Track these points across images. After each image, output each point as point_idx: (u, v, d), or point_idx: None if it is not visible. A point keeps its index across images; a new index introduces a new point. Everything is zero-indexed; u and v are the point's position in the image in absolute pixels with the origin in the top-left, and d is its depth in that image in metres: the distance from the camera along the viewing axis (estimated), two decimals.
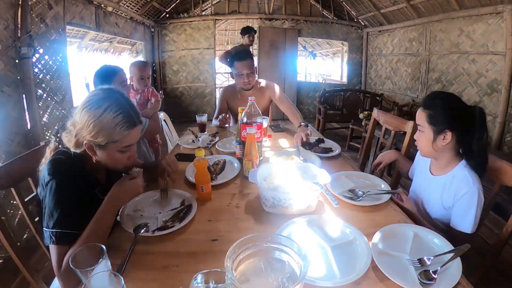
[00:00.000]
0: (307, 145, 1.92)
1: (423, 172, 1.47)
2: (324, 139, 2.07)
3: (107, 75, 1.99)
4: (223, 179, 1.49)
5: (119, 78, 2.02)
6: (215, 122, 2.56)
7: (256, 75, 2.48)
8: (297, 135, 1.97)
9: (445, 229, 1.29)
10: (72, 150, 1.08)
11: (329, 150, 1.88)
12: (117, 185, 1.09)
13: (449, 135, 1.23)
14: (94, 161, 1.09)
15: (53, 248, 0.96)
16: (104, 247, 0.80)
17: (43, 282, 1.23)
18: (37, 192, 1.16)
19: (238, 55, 2.38)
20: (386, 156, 1.73)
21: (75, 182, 1.04)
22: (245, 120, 1.61)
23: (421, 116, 1.31)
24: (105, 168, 1.21)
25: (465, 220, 1.20)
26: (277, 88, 2.54)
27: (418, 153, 1.49)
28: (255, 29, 4.77)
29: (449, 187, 1.28)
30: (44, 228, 0.98)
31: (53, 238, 0.95)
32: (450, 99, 1.27)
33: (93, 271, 0.74)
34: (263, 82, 2.57)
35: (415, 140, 1.38)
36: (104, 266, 0.77)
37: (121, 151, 1.07)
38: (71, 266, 0.75)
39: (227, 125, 2.46)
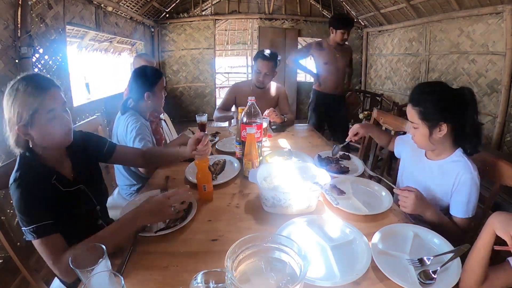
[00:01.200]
0: (326, 159, 1.75)
1: (417, 156, 1.45)
2: (350, 156, 1.83)
3: (153, 76, 1.88)
4: (223, 179, 1.49)
5: (162, 82, 1.92)
6: (216, 114, 2.65)
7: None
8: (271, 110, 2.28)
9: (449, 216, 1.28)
10: (17, 148, 1.07)
11: (346, 170, 1.62)
12: (145, 201, 1.09)
13: (444, 126, 1.22)
14: (31, 145, 1.08)
15: (38, 243, 0.97)
16: (104, 247, 0.80)
17: (42, 282, 1.23)
18: None
19: (263, 54, 2.46)
20: (362, 129, 1.75)
21: (32, 179, 1.03)
22: (245, 120, 1.61)
23: (412, 113, 1.29)
24: (64, 157, 1.20)
25: (468, 207, 1.21)
26: (285, 92, 2.77)
27: (408, 135, 1.51)
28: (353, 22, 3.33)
29: (447, 172, 1.28)
30: (22, 229, 0.98)
31: (33, 234, 0.96)
32: (437, 91, 1.26)
33: (93, 271, 0.74)
34: (275, 84, 2.72)
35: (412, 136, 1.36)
36: (104, 266, 0.77)
37: (48, 119, 1.03)
38: (71, 266, 0.75)
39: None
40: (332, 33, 3.23)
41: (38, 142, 1.06)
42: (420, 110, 1.25)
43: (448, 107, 1.22)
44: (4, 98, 1.02)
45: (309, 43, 3.56)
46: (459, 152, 1.28)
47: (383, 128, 2.20)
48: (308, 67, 3.83)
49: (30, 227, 0.96)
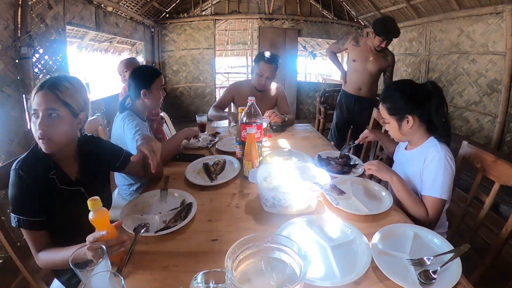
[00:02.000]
0: (326, 160, 1.72)
1: (401, 151, 1.58)
2: (350, 156, 1.76)
3: (151, 75, 1.89)
4: (223, 179, 1.49)
5: (160, 81, 1.92)
6: (211, 112, 2.60)
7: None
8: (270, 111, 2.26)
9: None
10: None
11: (347, 171, 1.60)
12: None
13: (410, 118, 1.34)
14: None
15: (24, 232, 1.06)
16: (104, 247, 0.80)
17: (42, 282, 1.23)
18: None
19: (266, 57, 2.42)
20: (373, 134, 1.79)
21: (31, 172, 1.07)
22: (245, 120, 1.61)
23: (382, 110, 1.43)
24: (72, 159, 1.22)
25: (435, 185, 1.26)
26: (284, 92, 2.74)
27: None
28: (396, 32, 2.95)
29: (419, 156, 1.37)
30: (11, 214, 1.05)
31: (17, 222, 1.04)
32: (400, 87, 1.39)
33: (93, 271, 0.74)
34: (274, 85, 2.69)
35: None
36: (104, 266, 0.77)
37: (33, 116, 1.07)
38: (71, 265, 0.75)
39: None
40: (372, 34, 3.01)
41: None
42: (387, 106, 1.40)
43: (411, 101, 1.34)
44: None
45: (350, 35, 3.43)
46: (431, 139, 1.38)
47: (383, 128, 2.20)
48: (340, 64, 3.75)
49: (16, 215, 1.03)
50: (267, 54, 2.45)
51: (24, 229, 1.05)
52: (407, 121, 1.35)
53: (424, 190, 1.30)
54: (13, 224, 1.04)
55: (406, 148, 1.52)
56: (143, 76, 1.85)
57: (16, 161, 1.08)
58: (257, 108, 1.64)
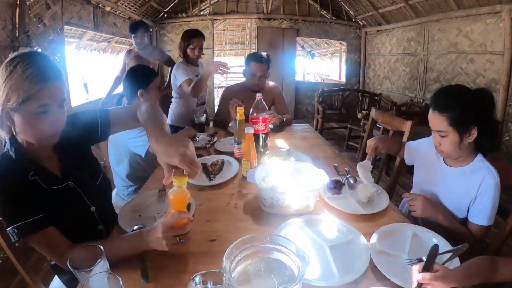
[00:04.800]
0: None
1: (434, 163, 1.39)
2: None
3: (149, 75, 1.93)
4: (222, 179, 1.49)
5: (157, 81, 1.96)
6: (215, 123, 2.64)
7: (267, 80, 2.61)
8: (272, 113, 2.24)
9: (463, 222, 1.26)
10: (1, 132, 0.97)
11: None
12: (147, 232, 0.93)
13: (474, 130, 1.17)
14: (15, 133, 0.96)
15: (32, 239, 0.92)
16: (102, 248, 0.79)
17: (41, 283, 1.22)
18: None
19: (256, 57, 2.44)
20: (381, 143, 1.55)
21: (9, 176, 0.93)
22: (251, 113, 1.75)
23: (439, 121, 1.20)
24: (51, 153, 1.06)
25: (491, 213, 1.18)
26: (281, 92, 2.74)
27: (420, 142, 1.49)
28: None
29: (471, 178, 1.23)
30: (7, 230, 0.91)
31: (18, 233, 0.89)
32: (464, 94, 1.20)
33: (91, 272, 0.74)
34: (270, 84, 2.69)
35: (438, 145, 1.27)
36: (102, 267, 0.77)
37: (37, 112, 0.90)
38: (69, 266, 0.74)
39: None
40: None
41: (18, 131, 0.94)
42: (449, 116, 1.17)
43: (476, 110, 1.16)
44: None
45: None
46: (479, 157, 1.25)
47: (382, 128, 2.21)
48: None
49: (17, 224, 0.89)
50: (257, 54, 2.48)
51: (30, 237, 0.91)
52: (470, 133, 1.17)
53: (477, 218, 1.20)
54: (14, 238, 0.90)
55: (446, 162, 1.34)
56: (140, 76, 1.87)
57: None
58: (264, 103, 1.73)
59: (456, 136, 1.18)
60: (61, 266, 0.93)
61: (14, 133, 0.96)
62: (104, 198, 1.27)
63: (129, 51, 3.37)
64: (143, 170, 1.97)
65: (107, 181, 1.28)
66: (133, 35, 3.11)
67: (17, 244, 1.10)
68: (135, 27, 3.11)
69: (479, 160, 1.24)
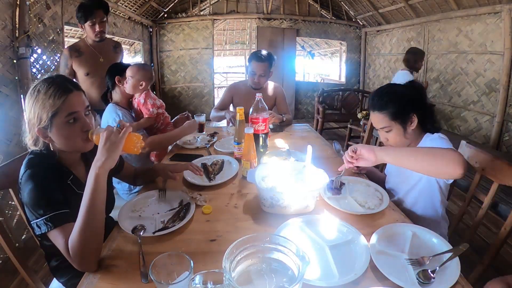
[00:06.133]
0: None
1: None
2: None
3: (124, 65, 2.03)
4: (222, 179, 1.49)
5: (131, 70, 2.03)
6: (212, 113, 2.65)
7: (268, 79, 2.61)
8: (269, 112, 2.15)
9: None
10: (34, 148, 1.06)
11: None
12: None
13: (414, 117, 1.30)
14: (52, 149, 1.06)
15: (55, 234, 0.92)
16: (191, 261, 0.80)
17: (41, 283, 1.22)
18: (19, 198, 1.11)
19: (258, 56, 2.45)
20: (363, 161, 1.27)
21: (48, 172, 1.01)
22: (252, 113, 1.73)
23: (381, 119, 1.33)
24: (79, 160, 1.18)
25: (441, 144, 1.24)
26: (283, 92, 2.73)
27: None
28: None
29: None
30: (33, 222, 0.93)
31: (49, 223, 0.91)
32: (395, 90, 1.35)
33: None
34: (273, 84, 2.71)
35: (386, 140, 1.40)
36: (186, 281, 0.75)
37: (67, 121, 1.01)
38: (150, 275, 0.75)
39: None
40: None
41: (58, 146, 1.05)
42: (388, 112, 1.30)
43: (410, 99, 1.31)
44: (26, 98, 1.02)
45: None
46: (427, 135, 1.35)
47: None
48: None
49: (47, 215, 0.91)
50: (260, 52, 2.48)
51: (57, 228, 0.92)
52: (411, 121, 1.31)
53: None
54: (42, 230, 0.91)
55: None
56: (117, 67, 2.00)
57: (26, 169, 0.99)
58: (264, 103, 1.73)
59: (399, 128, 1.32)
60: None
61: (52, 148, 1.06)
62: (109, 209, 1.39)
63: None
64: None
65: (113, 197, 1.42)
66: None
67: (17, 244, 1.10)
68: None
69: (427, 136, 1.35)
